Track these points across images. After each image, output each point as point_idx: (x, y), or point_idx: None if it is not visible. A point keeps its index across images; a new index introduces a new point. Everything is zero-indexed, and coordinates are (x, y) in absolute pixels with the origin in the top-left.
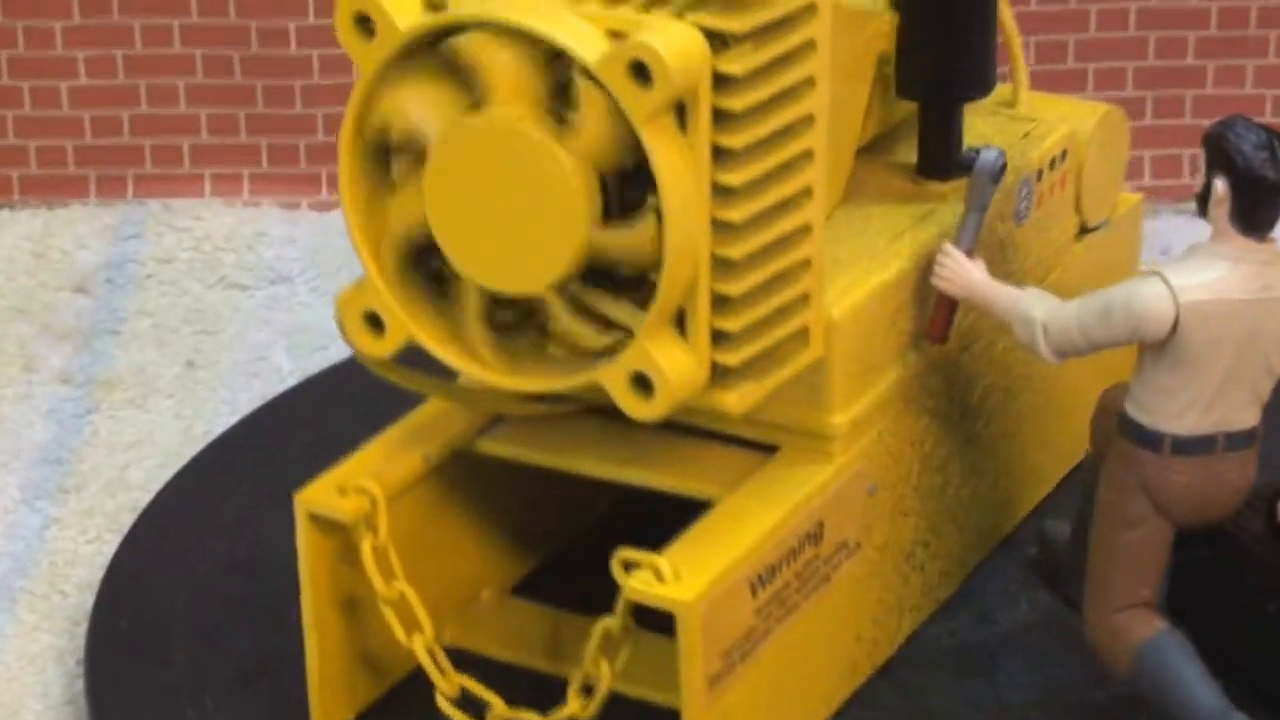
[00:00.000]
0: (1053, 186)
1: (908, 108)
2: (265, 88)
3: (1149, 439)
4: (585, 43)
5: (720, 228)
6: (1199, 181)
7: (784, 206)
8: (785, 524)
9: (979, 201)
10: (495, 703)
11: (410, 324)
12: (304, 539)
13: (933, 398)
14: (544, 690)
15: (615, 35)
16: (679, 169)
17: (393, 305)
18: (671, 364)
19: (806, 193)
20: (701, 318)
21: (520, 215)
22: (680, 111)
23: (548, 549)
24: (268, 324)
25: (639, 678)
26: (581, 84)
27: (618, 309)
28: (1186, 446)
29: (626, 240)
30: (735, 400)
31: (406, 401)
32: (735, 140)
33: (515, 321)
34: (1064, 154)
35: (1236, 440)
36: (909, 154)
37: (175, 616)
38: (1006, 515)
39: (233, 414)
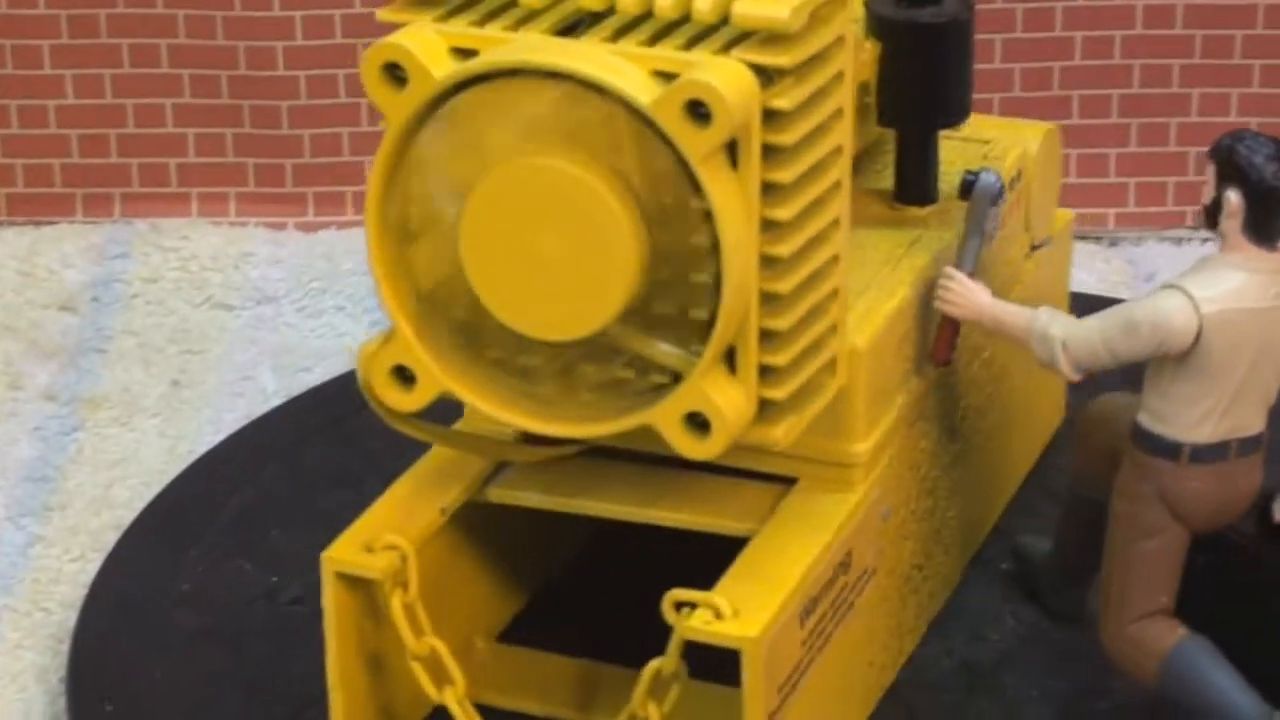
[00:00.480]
0: (1011, 207)
1: (872, 135)
2: (252, 108)
3: (1167, 449)
4: (633, 84)
5: (768, 263)
6: (1207, 195)
7: (820, 239)
8: (825, 555)
9: (979, 224)
10: None
11: (444, 377)
12: (331, 598)
13: (926, 421)
14: None
15: (661, 75)
16: (734, 206)
17: (424, 358)
18: (728, 403)
19: (836, 224)
20: (751, 354)
21: (567, 260)
22: (730, 148)
23: (528, 594)
24: (253, 344)
25: None
26: (627, 125)
27: (658, 350)
28: (1203, 455)
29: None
30: (782, 434)
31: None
32: (785, 174)
33: (539, 367)
34: (1019, 174)
35: (1248, 445)
36: (875, 180)
37: (157, 635)
38: (978, 533)
39: (217, 433)
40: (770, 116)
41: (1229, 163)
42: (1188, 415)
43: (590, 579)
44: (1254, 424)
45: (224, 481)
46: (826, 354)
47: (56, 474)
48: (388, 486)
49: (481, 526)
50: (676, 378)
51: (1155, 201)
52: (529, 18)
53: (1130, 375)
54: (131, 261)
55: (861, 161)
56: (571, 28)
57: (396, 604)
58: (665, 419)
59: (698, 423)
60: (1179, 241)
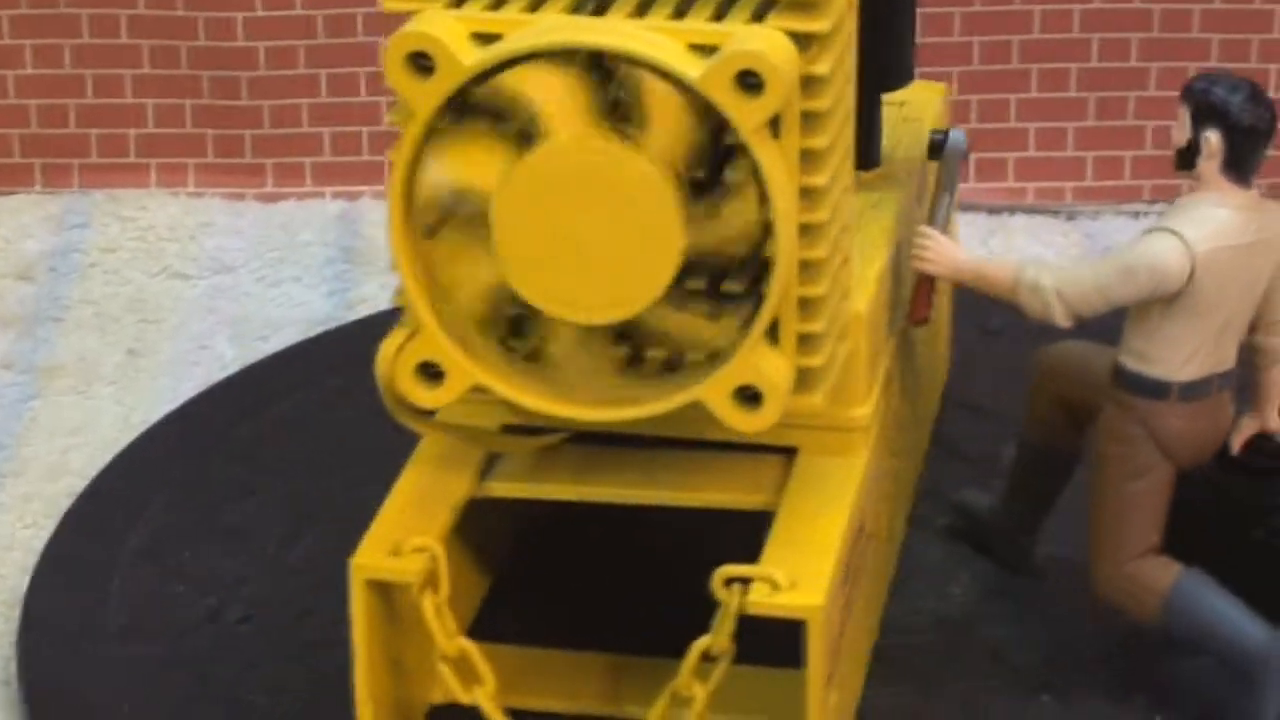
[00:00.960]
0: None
1: None
2: (212, 79)
3: (1156, 389)
4: (677, 58)
5: (805, 230)
6: (1181, 138)
7: (841, 203)
8: (851, 521)
9: (951, 181)
10: None
11: (476, 370)
12: (360, 606)
13: (894, 382)
14: None
15: (698, 48)
16: (781, 176)
17: (454, 353)
18: (778, 373)
19: (849, 189)
20: (792, 322)
21: (609, 242)
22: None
23: (487, 586)
24: (211, 313)
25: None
26: (666, 100)
27: (696, 326)
28: (1191, 391)
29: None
30: (820, 402)
31: (348, 391)
32: (822, 140)
33: (568, 354)
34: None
35: (1226, 380)
36: None
37: (108, 602)
38: (912, 492)
39: (174, 402)
40: (809, 83)
41: (1206, 104)
42: (1175, 355)
43: (543, 567)
44: (1231, 358)
45: (177, 450)
46: (844, 319)
47: (13, 441)
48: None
49: (467, 523)
50: (710, 354)
51: (1113, 175)
52: None
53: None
54: (90, 231)
55: None
56: (585, 5)
57: (429, 606)
58: (715, 395)
59: (747, 396)
60: (1136, 215)
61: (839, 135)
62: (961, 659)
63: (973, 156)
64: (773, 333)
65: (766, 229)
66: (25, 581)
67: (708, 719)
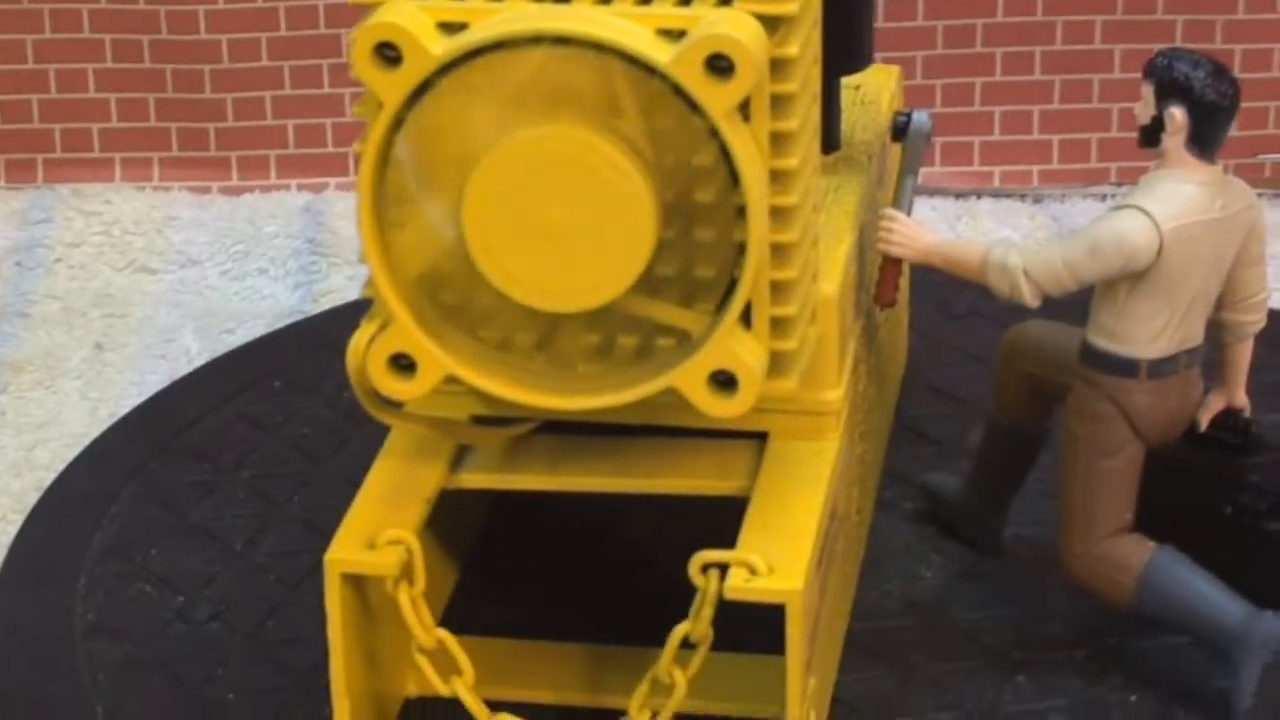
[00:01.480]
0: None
1: None
2: (175, 72)
3: (1126, 366)
4: (646, 44)
5: (776, 214)
6: (1145, 114)
7: (809, 186)
8: (827, 505)
9: (914, 164)
10: None
11: (448, 361)
12: (334, 599)
13: (862, 365)
14: None
15: (666, 33)
16: (753, 160)
17: (427, 344)
18: (754, 358)
19: (816, 171)
20: (765, 306)
21: (581, 230)
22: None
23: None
24: (176, 307)
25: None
26: (634, 86)
27: (666, 312)
28: (1159, 369)
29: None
30: (793, 385)
31: (313, 383)
32: (791, 123)
33: (537, 342)
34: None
35: (1194, 356)
36: None
37: (75, 601)
38: (878, 476)
39: (140, 395)
40: (776, 66)
41: (1170, 80)
42: (1144, 331)
43: (515, 558)
44: (1199, 334)
45: (144, 442)
46: (813, 302)
47: None
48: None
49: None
50: (682, 339)
51: (1079, 158)
52: None
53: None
54: (54, 226)
55: None
56: None
57: (405, 599)
58: (689, 381)
59: (721, 381)
60: (1103, 197)
61: (807, 117)
62: (934, 642)
63: (938, 141)
64: (745, 317)
65: (737, 213)
66: None
67: (688, 706)
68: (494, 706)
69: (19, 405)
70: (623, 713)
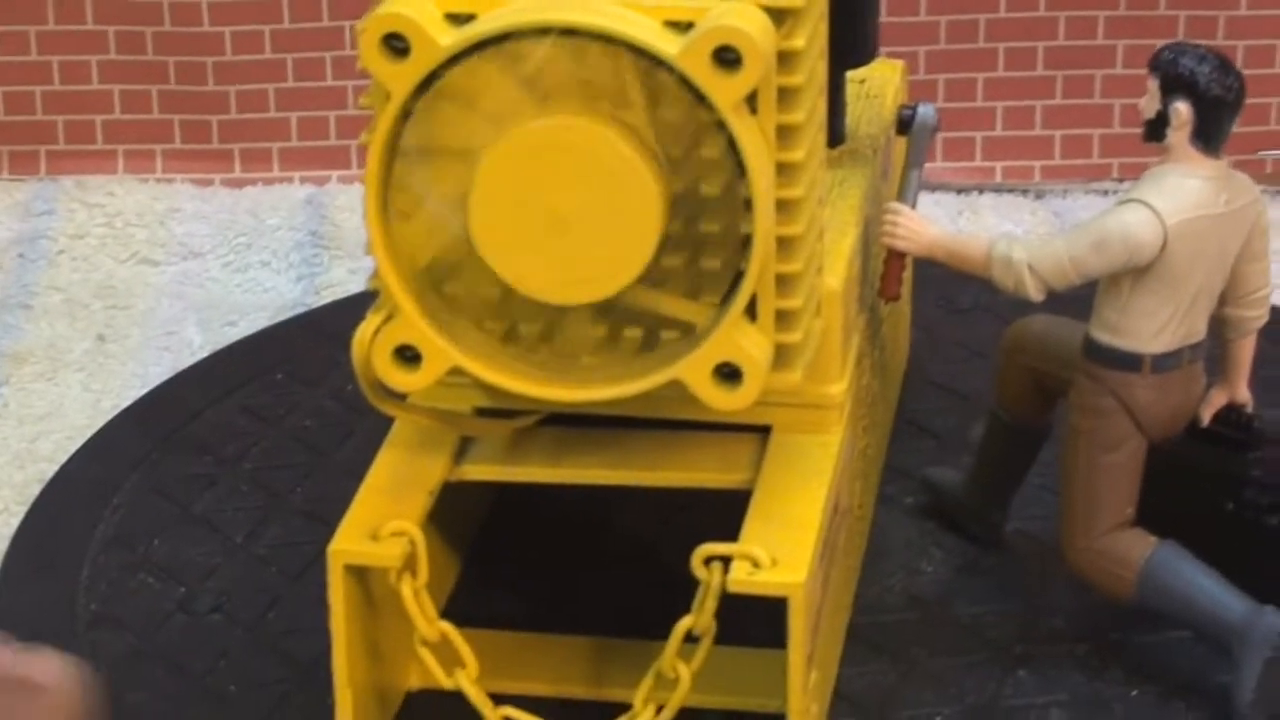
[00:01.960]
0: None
1: None
2: (178, 64)
3: (1130, 361)
4: (654, 36)
5: (781, 206)
6: (1150, 109)
7: (815, 178)
8: (829, 498)
9: (919, 157)
10: None
11: (454, 352)
12: (337, 591)
13: (865, 358)
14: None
15: (673, 25)
16: (760, 153)
17: (432, 336)
18: (759, 350)
19: (821, 163)
20: (770, 299)
21: (588, 222)
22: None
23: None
24: (179, 299)
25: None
26: (641, 78)
27: (671, 304)
28: (1163, 363)
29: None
30: (798, 378)
31: (315, 376)
32: (798, 116)
33: (542, 334)
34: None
35: (1197, 351)
36: None
37: (78, 592)
38: (880, 468)
39: (143, 387)
40: (782, 58)
41: (1175, 75)
42: (1148, 326)
43: (516, 551)
44: (1202, 330)
45: (147, 434)
46: (818, 295)
47: None
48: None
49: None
50: (687, 332)
51: (1081, 154)
52: None
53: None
54: (57, 218)
55: None
56: None
57: (408, 591)
58: (695, 373)
59: (726, 374)
60: (1105, 193)
61: (813, 110)
62: (936, 636)
63: (941, 136)
64: (750, 309)
65: (743, 205)
66: None
67: (691, 700)
68: (497, 699)
69: (21, 397)
70: (627, 706)
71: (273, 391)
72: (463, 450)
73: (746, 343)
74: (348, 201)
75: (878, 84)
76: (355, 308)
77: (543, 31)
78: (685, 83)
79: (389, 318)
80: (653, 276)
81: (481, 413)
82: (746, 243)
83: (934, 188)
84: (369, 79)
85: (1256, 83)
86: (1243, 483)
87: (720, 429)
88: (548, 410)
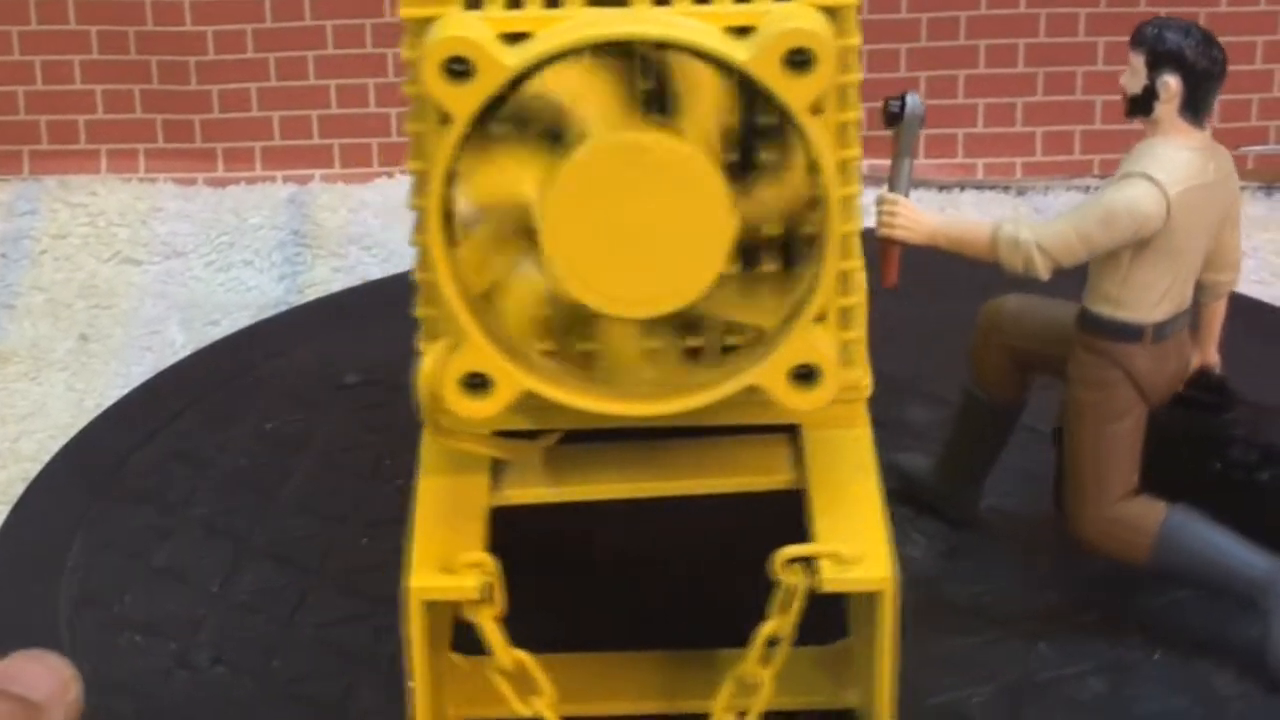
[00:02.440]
0: None
1: None
2: (160, 64)
3: (1132, 332)
4: (720, 42)
5: (842, 204)
6: (1136, 84)
7: (858, 173)
8: (882, 491)
9: (909, 147)
10: None
11: (523, 376)
12: (416, 628)
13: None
14: None
15: (734, 30)
16: (829, 153)
17: (501, 361)
18: (831, 350)
19: (860, 158)
20: (835, 298)
21: (661, 234)
22: None
23: None
24: (162, 298)
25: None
26: (708, 85)
27: (735, 310)
28: (1162, 332)
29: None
30: (859, 374)
31: (232, 413)
32: (854, 113)
33: (608, 351)
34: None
35: (1186, 317)
36: None
37: (64, 586)
38: None
39: (125, 387)
40: (840, 57)
41: (1162, 50)
42: (1148, 297)
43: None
44: (1190, 296)
45: (130, 433)
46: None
47: None
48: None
49: None
50: (748, 337)
51: (1062, 150)
52: None
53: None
54: (40, 218)
55: None
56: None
57: (487, 621)
58: (771, 377)
59: (802, 375)
60: (1087, 189)
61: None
62: (942, 619)
63: (923, 133)
64: None
65: (805, 206)
66: None
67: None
68: None
69: (4, 397)
70: (703, 717)
71: (193, 434)
72: (495, 474)
73: (820, 343)
74: (330, 200)
75: None
76: (338, 306)
77: (608, 45)
78: (746, 88)
79: (453, 347)
80: (719, 283)
81: (502, 434)
82: (804, 243)
83: (916, 184)
84: (351, 77)
85: (1237, 79)
86: (1227, 443)
87: (745, 432)
88: (617, 426)
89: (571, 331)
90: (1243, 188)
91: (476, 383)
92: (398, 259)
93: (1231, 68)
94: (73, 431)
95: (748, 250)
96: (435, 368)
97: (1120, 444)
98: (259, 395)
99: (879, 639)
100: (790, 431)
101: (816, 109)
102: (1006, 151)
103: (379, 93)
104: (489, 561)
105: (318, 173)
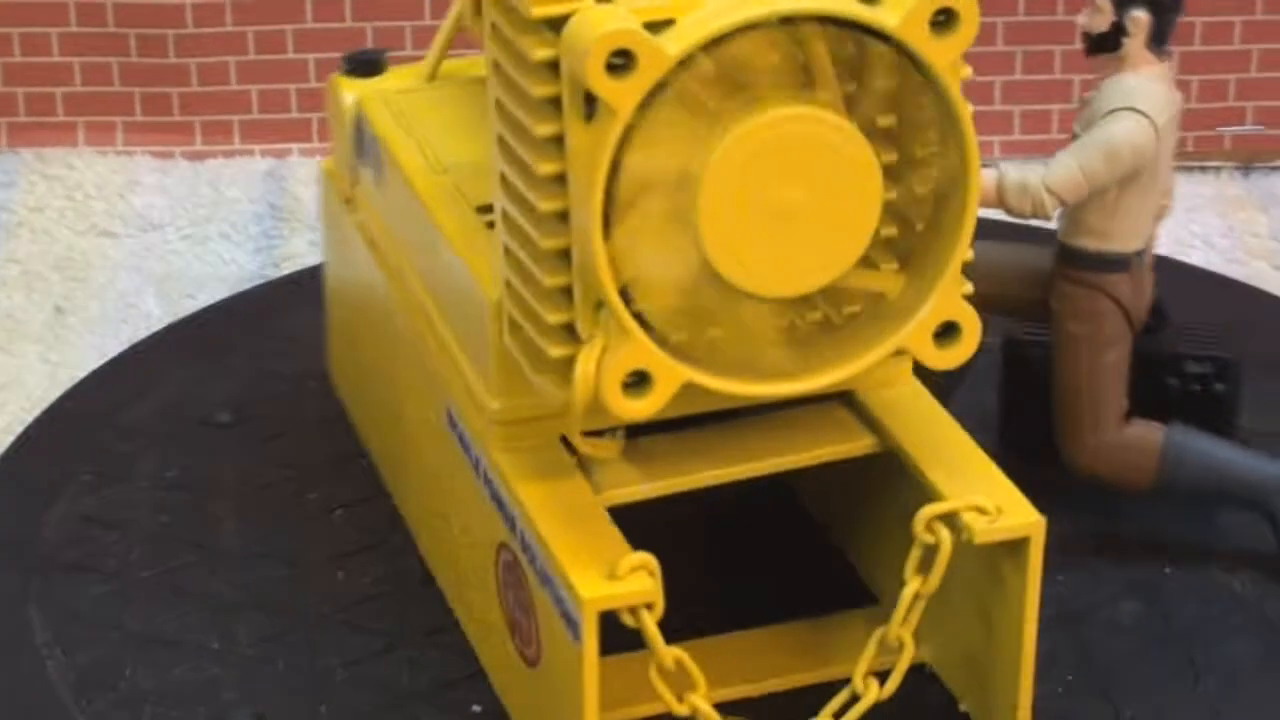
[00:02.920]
0: None
1: None
2: (139, 37)
3: (1119, 263)
4: (866, 12)
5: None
6: (1102, 23)
7: None
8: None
9: None
10: None
11: (683, 369)
12: (591, 640)
13: None
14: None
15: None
16: (967, 110)
17: (661, 356)
18: (968, 305)
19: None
20: (963, 253)
21: (812, 210)
22: None
23: None
24: (138, 271)
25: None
26: (853, 54)
27: (862, 277)
28: (1140, 259)
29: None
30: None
31: (125, 470)
32: (969, 71)
33: (747, 330)
34: None
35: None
36: None
37: (38, 560)
38: None
39: (101, 359)
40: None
41: None
42: (1131, 227)
43: None
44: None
45: (104, 405)
46: None
47: None
48: None
49: None
50: (871, 302)
51: (1041, 129)
52: None
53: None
54: (17, 190)
55: None
56: None
57: (650, 623)
58: (918, 338)
59: (944, 333)
60: None
61: None
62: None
63: None
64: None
65: (931, 166)
66: None
67: (747, 690)
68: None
69: None
70: (820, 687)
71: (95, 495)
72: (593, 476)
73: (961, 300)
74: (307, 174)
75: None
76: (315, 280)
77: (762, 24)
78: (893, 54)
79: (607, 346)
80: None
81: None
82: (936, 204)
83: None
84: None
85: (1215, 59)
86: (1175, 359)
87: (796, 406)
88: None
89: (703, 317)
90: (1219, 168)
91: (636, 381)
92: None
93: (1209, 48)
94: (46, 403)
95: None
96: (591, 371)
97: (1113, 372)
98: (135, 439)
99: (1029, 585)
100: (841, 398)
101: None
102: (985, 130)
103: None
104: (652, 562)
105: (295, 146)
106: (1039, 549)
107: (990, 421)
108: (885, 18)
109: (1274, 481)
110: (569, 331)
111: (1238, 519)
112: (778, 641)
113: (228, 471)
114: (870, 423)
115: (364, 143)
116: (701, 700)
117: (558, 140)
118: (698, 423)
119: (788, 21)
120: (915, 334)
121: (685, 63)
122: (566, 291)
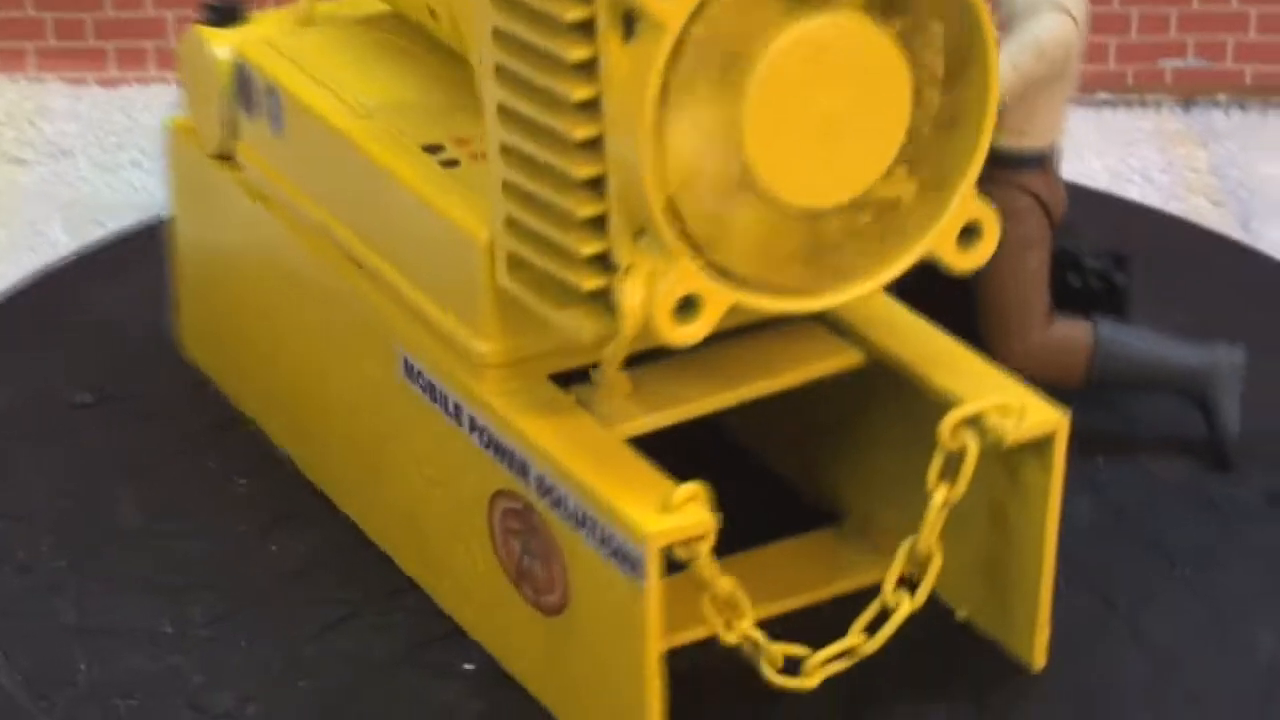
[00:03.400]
0: None
1: None
2: None
3: (1037, 160)
4: None
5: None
6: None
7: None
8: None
9: None
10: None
11: (729, 291)
12: (655, 576)
13: None
14: (814, 626)
15: None
16: (987, 9)
17: (707, 280)
18: (986, 206)
19: None
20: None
21: (849, 120)
22: None
23: None
24: (47, 198)
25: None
26: None
27: (888, 184)
28: (1054, 156)
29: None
30: None
31: (29, 510)
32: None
33: (789, 245)
34: None
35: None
36: None
37: None
38: None
39: (4, 285)
40: None
41: None
42: (1048, 124)
43: None
44: None
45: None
46: None
47: None
48: None
49: None
50: (886, 209)
51: None
52: None
53: None
54: None
55: None
56: None
57: (707, 551)
58: (943, 241)
59: (966, 235)
60: None
61: None
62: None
63: None
64: None
65: (954, 78)
66: None
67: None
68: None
69: None
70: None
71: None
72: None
73: (978, 200)
74: None
75: None
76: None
77: None
78: None
79: (653, 273)
80: None
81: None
82: (954, 111)
83: None
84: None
85: None
86: (1071, 255)
87: (777, 326)
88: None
89: (735, 235)
90: (1160, 103)
91: (684, 305)
92: None
93: None
94: None
95: None
96: (639, 299)
97: (1038, 272)
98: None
99: (1052, 481)
100: (816, 317)
101: None
102: None
103: None
104: (703, 492)
105: None
106: (1063, 447)
107: None
108: None
109: (1204, 368)
110: (602, 262)
111: (1154, 406)
112: (807, 553)
113: (109, 451)
114: (855, 337)
115: (251, 94)
116: (752, 628)
117: (587, 65)
118: (677, 352)
119: None
120: (939, 238)
121: None
122: (597, 222)
